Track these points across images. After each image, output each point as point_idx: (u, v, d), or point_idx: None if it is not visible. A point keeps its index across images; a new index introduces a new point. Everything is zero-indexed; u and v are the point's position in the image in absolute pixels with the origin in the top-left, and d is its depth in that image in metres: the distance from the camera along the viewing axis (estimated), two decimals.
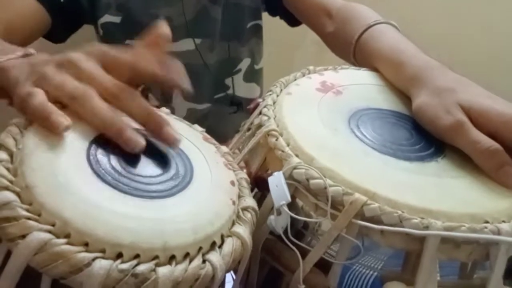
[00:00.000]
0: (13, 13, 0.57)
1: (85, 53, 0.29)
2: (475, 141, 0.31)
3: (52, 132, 0.25)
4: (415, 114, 0.36)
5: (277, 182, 0.29)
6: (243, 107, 0.77)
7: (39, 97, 0.26)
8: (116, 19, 0.67)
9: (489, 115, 0.31)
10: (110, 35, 0.68)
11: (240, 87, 0.77)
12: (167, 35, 0.31)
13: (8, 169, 0.24)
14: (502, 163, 0.30)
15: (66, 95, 0.27)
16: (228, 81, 0.76)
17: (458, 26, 1.15)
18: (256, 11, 0.74)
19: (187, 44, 0.71)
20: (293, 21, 0.73)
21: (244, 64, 0.76)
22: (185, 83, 0.30)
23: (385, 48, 0.43)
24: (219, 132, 0.81)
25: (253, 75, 0.78)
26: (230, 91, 0.76)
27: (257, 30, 0.76)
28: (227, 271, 0.26)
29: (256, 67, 0.78)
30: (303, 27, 0.71)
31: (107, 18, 0.67)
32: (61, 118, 0.26)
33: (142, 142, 0.27)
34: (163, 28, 0.31)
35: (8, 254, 0.22)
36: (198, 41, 0.71)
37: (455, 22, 1.15)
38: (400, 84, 0.40)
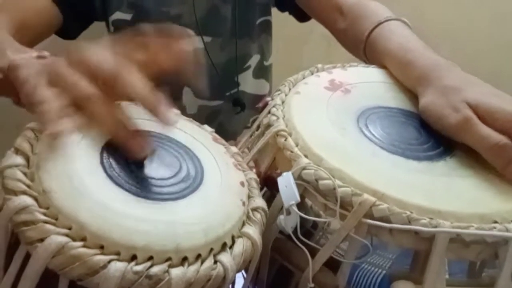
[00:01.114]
0: (25, 10, 0.57)
1: (96, 46, 0.29)
2: (484, 136, 0.31)
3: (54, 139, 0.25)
4: (422, 113, 0.36)
5: (286, 183, 0.30)
6: (246, 107, 0.77)
7: (46, 104, 0.26)
8: (127, 16, 0.68)
9: (496, 113, 0.31)
10: (120, 32, 0.68)
11: (249, 84, 0.77)
12: (187, 33, 0.31)
13: (25, 174, 0.24)
14: (511, 159, 0.30)
15: (78, 97, 0.27)
16: (239, 78, 0.76)
17: (466, 17, 1.13)
18: (266, 7, 0.74)
19: (197, 43, 0.71)
20: (302, 17, 0.73)
21: (254, 60, 0.76)
22: (199, 81, 0.30)
23: (393, 47, 0.43)
24: (229, 129, 0.81)
25: (263, 72, 0.78)
26: (241, 88, 0.76)
27: (267, 26, 0.76)
28: (238, 271, 0.27)
29: (266, 63, 0.78)
30: (311, 22, 0.71)
31: (118, 15, 0.67)
32: (60, 125, 0.25)
33: (147, 149, 0.27)
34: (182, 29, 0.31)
35: (27, 256, 0.23)
36: (208, 39, 0.71)
37: (464, 13, 1.13)
38: (408, 83, 0.40)
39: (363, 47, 0.49)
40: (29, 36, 0.55)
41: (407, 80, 0.40)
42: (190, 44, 0.31)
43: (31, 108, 0.27)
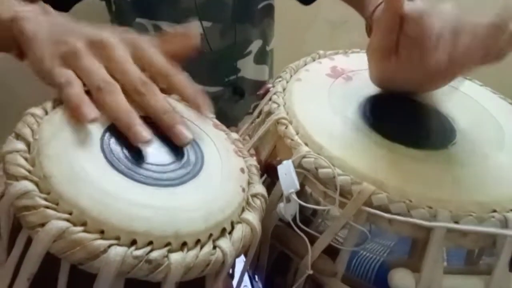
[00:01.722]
0: None
1: (119, 36, 0.30)
2: None
3: (77, 120, 0.26)
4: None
5: (286, 171, 0.30)
6: (247, 93, 0.76)
7: (75, 88, 0.27)
8: None
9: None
10: (121, 12, 0.68)
11: (249, 70, 0.76)
12: (196, 39, 0.32)
13: (26, 159, 0.24)
14: None
15: (92, 83, 0.28)
16: (239, 63, 0.75)
17: (472, 5, 1.11)
18: None
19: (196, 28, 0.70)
20: (306, 0, 0.72)
21: (255, 46, 0.75)
22: (204, 105, 0.31)
23: None
24: (230, 115, 0.81)
25: (264, 57, 0.77)
26: (240, 74, 0.76)
27: (269, 10, 0.74)
28: (237, 256, 0.27)
29: (268, 48, 0.77)
30: (315, 7, 0.70)
31: None
32: (90, 109, 0.26)
33: (148, 136, 0.27)
34: (194, 31, 0.32)
35: (29, 240, 0.23)
36: (208, 24, 0.70)
37: (470, 2, 1.11)
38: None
39: (368, 26, 0.48)
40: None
41: None
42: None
43: (42, 77, 0.27)
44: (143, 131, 0.27)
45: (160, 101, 0.29)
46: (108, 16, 0.74)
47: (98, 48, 0.29)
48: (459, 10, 0.31)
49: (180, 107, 0.34)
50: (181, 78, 0.31)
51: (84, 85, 0.28)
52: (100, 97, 0.28)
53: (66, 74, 0.28)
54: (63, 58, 0.28)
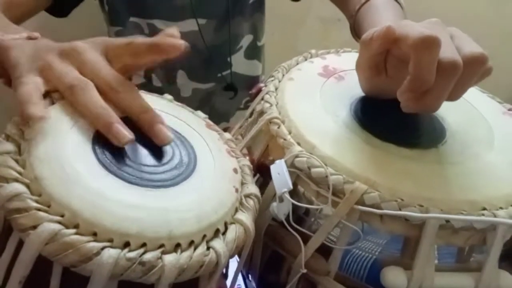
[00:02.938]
0: None
1: (89, 42, 0.29)
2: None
3: (27, 122, 0.25)
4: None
5: (279, 170, 0.30)
6: (238, 88, 0.76)
7: (27, 86, 0.26)
8: None
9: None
10: (115, 12, 0.68)
11: (241, 65, 0.76)
12: (180, 47, 0.30)
13: (16, 160, 0.24)
14: None
15: (64, 85, 0.27)
16: (231, 58, 0.75)
17: (468, 3, 1.12)
18: None
19: (191, 25, 0.70)
20: None
21: (246, 41, 0.75)
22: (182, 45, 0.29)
23: (370, 23, 0.43)
24: (223, 110, 0.80)
25: (255, 52, 0.77)
26: (232, 69, 0.75)
27: (260, 5, 0.74)
28: (231, 257, 0.27)
29: (259, 43, 0.77)
30: (307, 4, 0.70)
31: None
32: (35, 109, 0.25)
33: (129, 136, 0.27)
34: (177, 40, 0.30)
35: (20, 243, 0.23)
36: (203, 21, 0.70)
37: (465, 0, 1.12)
38: None
39: (353, 24, 0.48)
40: (18, 12, 0.54)
41: None
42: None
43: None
44: (123, 130, 0.26)
45: (138, 99, 0.28)
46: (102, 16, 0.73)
47: (69, 54, 0.28)
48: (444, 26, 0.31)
49: (172, 106, 0.34)
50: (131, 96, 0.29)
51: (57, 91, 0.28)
52: (73, 98, 0.27)
53: (27, 77, 0.27)
54: (38, 72, 0.28)
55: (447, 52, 0.28)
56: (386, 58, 0.33)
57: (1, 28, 0.36)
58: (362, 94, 0.37)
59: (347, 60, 0.41)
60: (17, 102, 0.26)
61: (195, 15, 0.69)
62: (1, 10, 0.50)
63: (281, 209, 0.29)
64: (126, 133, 0.27)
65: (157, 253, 0.23)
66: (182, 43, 0.28)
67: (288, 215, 0.29)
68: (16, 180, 0.23)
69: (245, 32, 0.74)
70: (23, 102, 0.25)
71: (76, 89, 0.27)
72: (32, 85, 0.26)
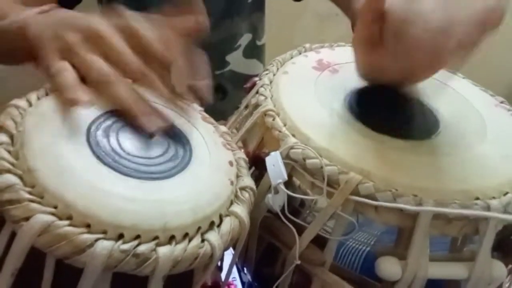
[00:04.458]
0: None
1: (113, 26, 0.30)
2: None
3: (70, 105, 0.26)
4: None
5: (274, 162, 0.30)
6: (237, 87, 0.76)
7: (66, 76, 0.27)
8: None
9: None
10: (112, 4, 0.68)
11: (239, 64, 0.76)
12: (204, 26, 0.31)
13: (9, 151, 0.24)
14: None
15: (92, 76, 0.28)
16: (228, 57, 0.75)
17: None
18: None
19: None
20: None
21: (245, 39, 0.75)
22: (206, 89, 0.31)
23: None
24: (221, 108, 0.80)
25: (255, 51, 0.77)
26: (229, 67, 0.75)
27: (260, 4, 0.74)
28: (225, 249, 0.27)
29: (259, 42, 0.77)
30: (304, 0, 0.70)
31: None
32: (80, 93, 0.26)
33: (158, 124, 0.28)
34: (202, 17, 0.31)
35: (13, 235, 0.22)
36: None
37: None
38: None
39: (352, 20, 0.48)
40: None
41: None
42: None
43: (47, 77, 0.27)
44: (156, 119, 0.28)
45: (161, 89, 0.29)
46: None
47: (95, 40, 0.29)
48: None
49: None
50: (175, 69, 0.31)
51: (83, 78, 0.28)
52: (100, 89, 0.28)
53: (58, 64, 0.27)
54: (61, 52, 0.28)
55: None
56: (381, 31, 0.33)
57: (9, 8, 0.36)
58: (357, 86, 0.37)
59: (341, 54, 0.41)
60: (58, 90, 0.27)
61: None
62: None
63: (276, 201, 0.29)
64: (156, 124, 0.28)
65: (151, 245, 0.23)
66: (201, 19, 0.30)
67: (283, 207, 0.29)
68: (8, 171, 0.23)
69: (243, 31, 0.74)
70: (67, 88, 0.26)
71: (103, 82, 0.28)
72: (67, 72, 0.27)
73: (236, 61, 0.76)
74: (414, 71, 0.32)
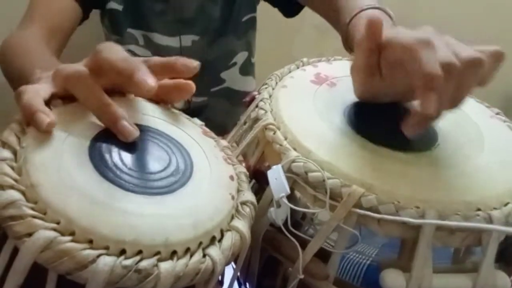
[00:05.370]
0: (52, 16, 0.61)
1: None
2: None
3: (38, 130, 0.25)
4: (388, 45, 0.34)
5: (276, 175, 0.30)
6: (235, 103, 0.78)
7: (27, 94, 0.26)
8: (119, 7, 0.70)
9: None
10: (114, 22, 0.71)
11: (236, 81, 0.78)
12: (193, 69, 0.31)
13: (12, 167, 0.24)
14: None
15: (64, 77, 0.27)
16: (223, 74, 0.76)
17: (461, 7, 1.14)
18: (252, 4, 0.75)
19: (184, 40, 0.72)
20: (289, 12, 0.74)
21: (240, 57, 0.77)
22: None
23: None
24: (218, 122, 0.82)
25: (250, 68, 0.79)
26: (225, 84, 0.77)
27: (253, 23, 0.76)
28: (227, 264, 0.27)
29: (253, 60, 0.79)
30: (302, 13, 0.71)
31: (112, 5, 0.69)
32: (43, 116, 0.25)
33: (135, 132, 0.27)
34: (192, 62, 0.31)
35: (15, 251, 0.22)
36: (195, 38, 0.72)
37: (457, 3, 1.14)
38: None
39: (344, 36, 0.49)
40: (60, 38, 0.60)
41: None
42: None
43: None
44: (129, 126, 0.27)
45: (100, 96, 0.27)
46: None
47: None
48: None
49: (169, 113, 0.34)
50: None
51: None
52: (71, 87, 0.27)
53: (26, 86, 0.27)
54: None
55: (443, 54, 0.28)
56: (379, 59, 0.33)
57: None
58: (355, 99, 0.37)
59: (338, 68, 0.42)
60: (22, 114, 0.26)
61: (187, 31, 0.70)
62: (45, 41, 0.55)
63: (279, 214, 0.29)
64: (132, 129, 0.27)
65: (153, 260, 0.23)
66: (196, 63, 0.29)
67: (286, 220, 0.29)
68: (11, 187, 0.23)
69: (239, 49, 0.76)
70: (29, 111, 0.25)
71: (72, 77, 0.27)
72: (30, 93, 0.26)
73: (232, 78, 0.77)
74: (411, 95, 0.33)
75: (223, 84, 0.77)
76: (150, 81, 0.27)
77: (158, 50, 0.71)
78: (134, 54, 0.71)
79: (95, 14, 0.72)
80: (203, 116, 0.80)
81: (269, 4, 0.76)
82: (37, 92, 0.27)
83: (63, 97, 0.28)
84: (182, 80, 0.31)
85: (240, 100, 0.79)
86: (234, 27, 0.74)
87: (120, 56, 0.28)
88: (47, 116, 0.25)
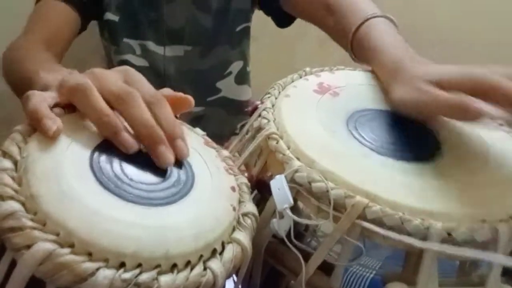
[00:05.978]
0: (51, 26, 0.62)
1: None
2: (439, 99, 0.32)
3: (44, 136, 0.26)
4: (397, 107, 0.37)
5: (279, 186, 0.29)
6: (231, 112, 0.78)
7: (34, 99, 0.26)
8: (115, 18, 0.71)
9: (456, 79, 0.33)
10: (112, 32, 0.71)
11: (231, 90, 0.78)
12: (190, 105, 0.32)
13: (12, 178, 0.24)
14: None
15: (68, 88, 0.27)
16: (219, 84, 0.77)
17: (459, 14, 1.14)
18: (246, 14, 0.76)
19: (177, 50, 0.73)
20: (282, 23, 0.74)
21: (235, 66, 0.77)
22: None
23: (376, 49, 0.43)
24: (216, 132, 0.82)
25: (245, 77, 0.80)
26: (221, 94, 0.77)
27: (247, 32, 0.77)
28: (228, 276, 0.26)
29: (248, 69, 0.80)
30: (304, 22, 0.71)
31: (108, 16, 0.70)
32: (51, 122, 0.25)
33: (136, 144, 0.27)
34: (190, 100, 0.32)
35: (13, 262, 0.22)
36: (188, 48, 0.73)
37: (457, 9, 1.14)
38: (383, 80, 0.41)
39: (350, 45, 0.49)
40: (59, 48, 0.61)
41: (381, 77, 0.41)
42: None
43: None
44: (130, 138, 0.27)
45: (144, 113, 0.28)
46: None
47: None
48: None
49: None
50: None
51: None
52: (76, 100, 0.28)
53: (33, 94, 0.27)
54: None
55: None
56: None
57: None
58: (358, 109, 0.37)
59: (341, 77, 0.42)
60: (29, 120, 0.26)
61: (180, 41, 0.72)
62: (43, 49, 0.55)
63: (281, 226, 0.29)
64: (133, 141, 0.27)
65: (153, 273, 0.23)
66: (191, 98, 0.31)
67: (289, 232, 0.28)
68: (11, 198, 0.23)
69: (233, 58, 0.76)
70: (36, 117, 0.26)
71: (79, 89, 0.27)
72: (37, 98, 0.27)
73: (228, 87, 0.78)
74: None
75: (219, 94, 0.78)
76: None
77: (154, 59, 0.72)
78: (130, 64, 0.71)
79: (93, 25, 0.73)
80: (200, 126, 0.80)
81: (264, 13, 0.77)
82: (44, 98, 0.27)
83: (65, 107, 0.28)
84: (181, 94, 0.32)
85: (235, 109, 0.80)
86: (228, 37, 0.75)
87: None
88: (54, 122, 0.25)
